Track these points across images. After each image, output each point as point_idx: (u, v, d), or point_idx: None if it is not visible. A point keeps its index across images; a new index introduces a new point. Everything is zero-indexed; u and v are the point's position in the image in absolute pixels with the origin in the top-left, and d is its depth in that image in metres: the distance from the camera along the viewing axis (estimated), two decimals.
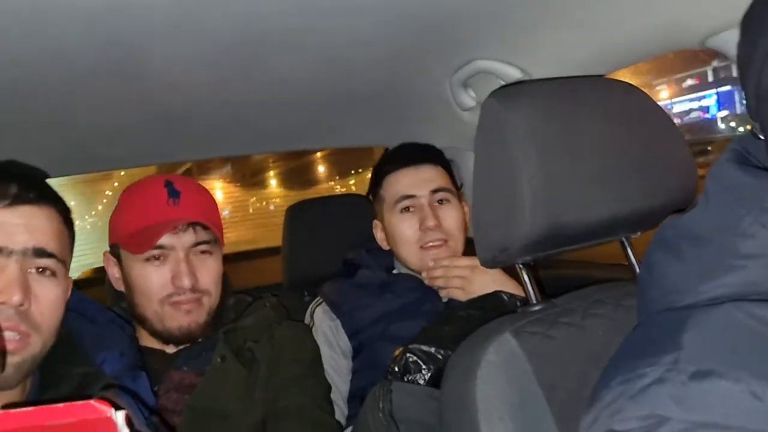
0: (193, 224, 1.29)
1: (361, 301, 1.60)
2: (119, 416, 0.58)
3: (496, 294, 1.41)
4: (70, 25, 1.05)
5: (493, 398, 0.80)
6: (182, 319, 1.27)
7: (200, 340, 1.34)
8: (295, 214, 2.03)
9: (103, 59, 1.19)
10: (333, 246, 1.89)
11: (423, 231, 1.57)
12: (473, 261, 1.49)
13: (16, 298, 0.90)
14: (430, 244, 1.57)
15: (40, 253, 0.96)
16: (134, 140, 1.63)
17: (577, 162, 0.91)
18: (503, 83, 1.48)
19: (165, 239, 1.25)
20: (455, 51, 1.48)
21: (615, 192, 0.94)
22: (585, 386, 0.85)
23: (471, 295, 1.46)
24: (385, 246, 1.70)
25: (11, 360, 0.90)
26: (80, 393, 0.96)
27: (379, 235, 1.72)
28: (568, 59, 1.35)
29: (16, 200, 0.96)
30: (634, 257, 1.06)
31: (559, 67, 1.37)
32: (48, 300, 0.96)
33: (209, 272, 1.31)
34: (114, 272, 1.34)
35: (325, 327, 1.60)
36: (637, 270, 1.05)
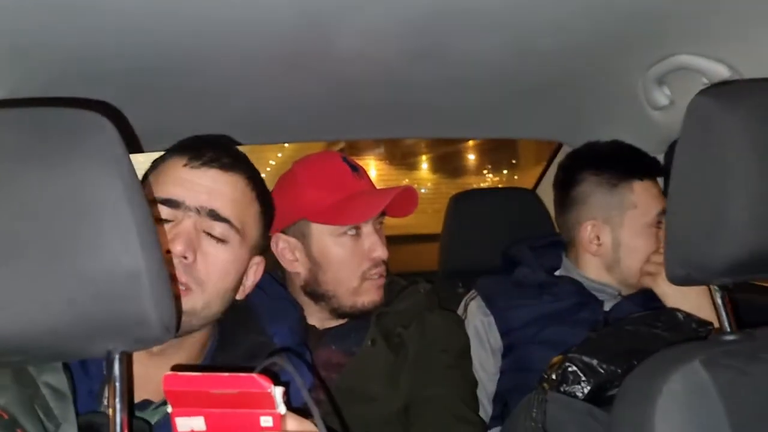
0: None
1: (517, 300, 1.53)
2: (278, 392, 0.58)
3: (670, 312, 1.29)
4: None
5: None
6: (375, 293, 1.31)
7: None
8: (459, 203, 1.99)
9: (291, 29, 1.20)
10: (494, 239, 1.84)
11: (659, 253, 1.45)
12: None
13: (180, 248, 0.94)
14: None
15: (213, 215, 0.99)
16: (312, 114, 1.65)
17: None
18: (706, 81, 1.34)
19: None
20: (655, 43, 1.36)
21: None
22: None
23: (660, 284, 1.38)
24: (591, 250, 1.52)
25: None
26: (251, 359, 0.98)
27: (590, 237, 1.53)
28: None
29: (207, 164, 1.02)
30: None
31: None
32: (215, 261, 0.99)
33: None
34: (287, 254, 1.33)
35: (478, 322, 1.56)
36: None
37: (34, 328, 0.56)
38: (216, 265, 0.99)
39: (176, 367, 0.91)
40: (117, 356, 0.61)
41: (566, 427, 1.04)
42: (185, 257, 0.94)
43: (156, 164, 1.07)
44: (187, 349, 1.00)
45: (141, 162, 1.19)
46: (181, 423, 0.59)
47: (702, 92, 0.84)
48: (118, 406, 0.60)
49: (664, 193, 1.66)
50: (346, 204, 1.28)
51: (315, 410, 0.61)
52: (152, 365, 0.92)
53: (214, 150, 1.04)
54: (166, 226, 0.97)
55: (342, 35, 1.24)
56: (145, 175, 1.07)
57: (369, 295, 1.30)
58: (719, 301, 0.85)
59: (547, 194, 1.92)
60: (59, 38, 1.11)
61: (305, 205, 1.30)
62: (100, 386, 0.85)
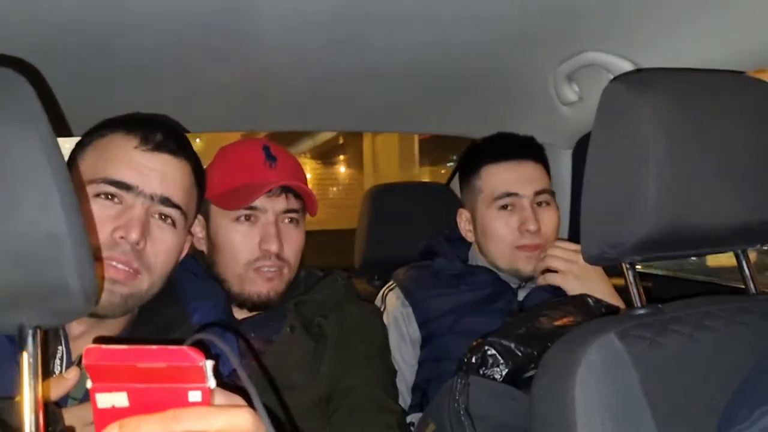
0: (286, 190, 1.28)
1: (435, 290, 1.55)
2: (208, 365, 0.56)
3: (581, 297, 1.34)
4: None
5: (594, 401, 0.74)
6: (262, 285, 1.27)
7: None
8: (375, 197, 2.01)
9: (208, 14, 1.18)
10: (410, 232, 1.86)
11: (521, 233, 1.50)
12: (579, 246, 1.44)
13: (134, 235, 0.95)
14: (526, 246, 1.51)
15: (166, 201, 1.01)
16: (228, 104, 1.63)
17: (708, 160, 0.84)
18: (612, 77, 1.41)
19: (258, 201, 1.25)
20: (565, 40, 1.42)
21: (747, 198, 0.86)
22: (692, 402, 0.79)
23: (568, 280, 1.41)
24: (469, 237, 1.63)
25: (120, 290, 0.95)
26: (165, 332, 0.99)
27: (464, 225, 1.64)
28: (691, 56, 1.27)
29: (158, 147, 1.02)
30: (749, 271, 0.97)
31: (677, 64, 1.29)
32: (164, 245, 1.01)
33: (293, 242, 1.31)
34: (197, 231, 1.33)
35: (397, 313, 1.57)
36: (752, 285, 0.97)
37: None
38: (164, 250, 1.01)
39: (98, 340, 0.87)
40: (30, 331, 0.57)
41: (488, 409, 1.06)
42: (138, 243, 0.96)
43: (93, 139, 1.04)
44: (112, 327, 1.00)
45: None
46: (102, 399, 0.56)
47: (615, 79, 0.88)
48: (31, 382, 0.56)
49: (577, 185, 1.72)
50: (240, 190, 1.27)
51: (248, 381, 0.59)
52: (77, 341, 0.91)
53: (164, 132, 1.04)
54: (113, 208, 0.97)
55: (259, 22, 1.23)
56: (78, 148, 1.05)
57: (255, 286, 1.26)
58: (630, 278, 0.89)
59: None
60: None
61: (209, 187, 1.29)
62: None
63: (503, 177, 1.53)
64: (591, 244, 0.88)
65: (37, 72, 1.27)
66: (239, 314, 1.32)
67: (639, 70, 0.90)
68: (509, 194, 1.51)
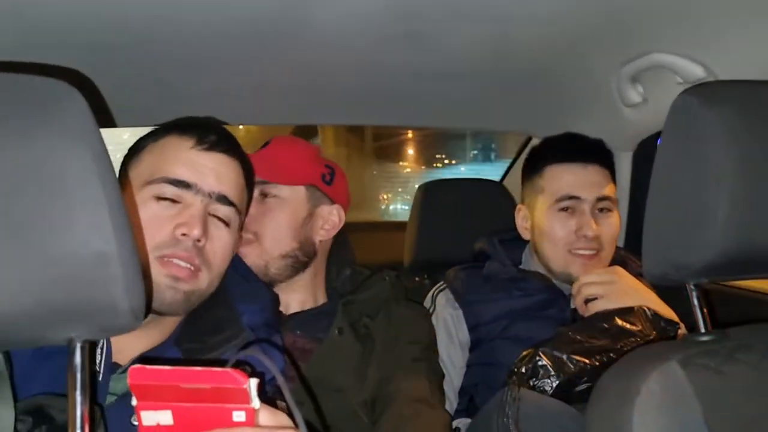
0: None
1: (486, 294, 1.53)
2: (252, 385, 0.55)
3: (639, 309, 1.29)
4: None
5: None
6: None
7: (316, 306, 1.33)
8: (427, 193, 1.98)
9: (264, 7, 1.18)
10: (461, 230, 1.84)
11: (578, 237, 1.46)
12: (610, 268, 1.41)
13: (197, 232, 0.96)
14: (582, 252, 1.46)
15: (222, 199, 1.02)
16: (285, 96, 1.63)
17: None
18: (680, 81, 1.35)
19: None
20: (631, 40, 1.37)
21: None
22: None
23: (612, 301, 1.34)
24: (525, 235, 1.59)
25: (183, 287, 0.96)
26: (215, 333, 0.99)
27: (521, 222, 1.60)
28: (763, 61, 1.20)
29: (213, 147, 1.04)
30: None
31: (752, 68, 1.23)
32: (221, 243, 1.02)
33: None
34: None
35: (447, 315, 1.55)
36: None
37: None
38: (222, 248, 1.02)
39: (141, 360, 0.87)
40: (79, 344, 0.57)
41: (538, 425, 1.03)
42: (199, 240, 0.97)
43: (147, 143, 1.06)
44: (165, 325, 1.01)
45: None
46: (147, 417, 0.56)
47: (686, 91, 0.83)
48: (78, 398, 0.56)
49: (637, 188, 1.67)
50: None
51: (292, 403, 0.58)
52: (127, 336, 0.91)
53: (218, 134, 1.06)
54: (173, 207, 0.98)
55: (313, 17, 1.22)
56: (131, 154, 1.06)
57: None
58: (695, 301, 0.84)
59: (513, 186, 1.92)
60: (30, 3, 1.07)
61: None
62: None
63: (567, 179, 1.49)
64: (653, 263, 0.84)
65: (79, 74, 1.29)
66: (288, 308, 1.32)
67: (707, 83, 0.84)
68: (571, 197, 1.47)
